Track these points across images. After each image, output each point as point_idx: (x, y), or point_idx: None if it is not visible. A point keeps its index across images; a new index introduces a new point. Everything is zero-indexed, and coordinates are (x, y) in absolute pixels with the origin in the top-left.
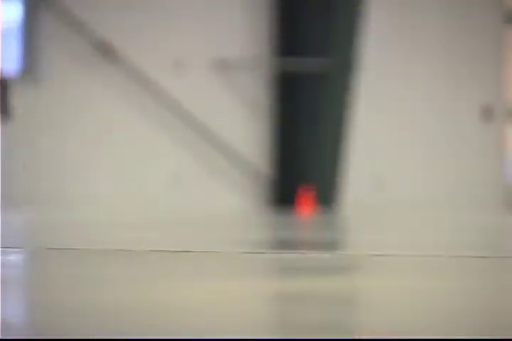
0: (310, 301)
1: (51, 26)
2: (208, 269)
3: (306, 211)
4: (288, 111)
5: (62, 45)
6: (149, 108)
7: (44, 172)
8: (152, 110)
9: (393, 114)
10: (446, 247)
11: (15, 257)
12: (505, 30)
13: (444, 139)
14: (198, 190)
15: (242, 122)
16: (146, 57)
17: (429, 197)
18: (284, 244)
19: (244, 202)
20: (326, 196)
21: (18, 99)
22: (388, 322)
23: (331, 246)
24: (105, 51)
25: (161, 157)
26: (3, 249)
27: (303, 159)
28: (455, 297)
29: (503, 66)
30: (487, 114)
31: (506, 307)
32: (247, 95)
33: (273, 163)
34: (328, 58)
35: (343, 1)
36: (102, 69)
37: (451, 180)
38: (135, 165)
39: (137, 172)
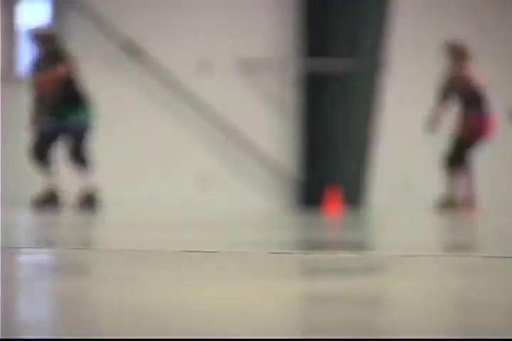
0: (338, 302)
1: (78, 27)
2: (235, 270)
3: (332, 211)
4: (314, 111)
5: (89, 46)
6: (175, 108)
7: (68, 172)
8: (178, 110)
9: (419, 113)
10: (473, 247)
11: (46, 257)
12: None
13: None
14: (225, 191)
15: (268, 123)
16: (172, 58)
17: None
18: (311, 245)
19: (271, 202)
20: (353, 196)
21: None
22: (416, 322)
23: (358, 246)
24: (132, 51)
25: (188, 158)
26: (30, 249)
27: (329, 159)
28: (484, 296)
29: None
30: None
31: None
32: (273, 96)
33: (300, 163)
34: (354, 59)
35: (370, 2)
36: (129, 70)
37: (478, 180)
38: (162, 166)
39: (164, 174)
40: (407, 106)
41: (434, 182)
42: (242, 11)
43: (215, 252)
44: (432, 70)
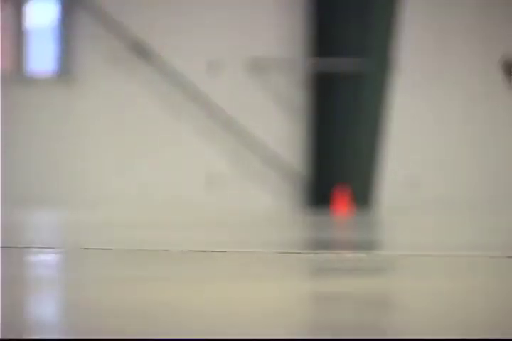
0: (345, 302)
1: (87, 27)
2: (243, 270)
3: (341, 211)
4: (323, 111)
5: (98, 46)
6: (184, 108)
7: (79, 172)
8: (187, 110)
9: (428, 113)
10: (483, 248)
11: (52, 257)
12: None
13: (479, 139)
14: (234, 190)
15: (277, 123)
16: (182, 57)
17: (464, 197)
18: (320, 244)
19: (279, 202)
20: (362, 196)
21: (52, 100)
22: (423, 323)
23: (366, 246)
24: (140, 51)
25: (196, 158)
26: (39, 249)
27: (338, 159)
28: (492, 297)
29: None
30: None
31: None
32: (282, 96)
33: (308, 163)
34: (363, 58)
35: (379, 1)
36: (137, 70)
37: (486, 180)
38: (170, 166)
39: (172, 174)
40: (417, 106)
41: (444, 182)
42: (251, 11)
43: (224, 252)
44: (443, 70)
